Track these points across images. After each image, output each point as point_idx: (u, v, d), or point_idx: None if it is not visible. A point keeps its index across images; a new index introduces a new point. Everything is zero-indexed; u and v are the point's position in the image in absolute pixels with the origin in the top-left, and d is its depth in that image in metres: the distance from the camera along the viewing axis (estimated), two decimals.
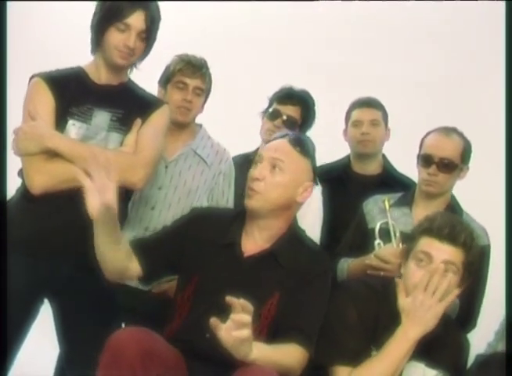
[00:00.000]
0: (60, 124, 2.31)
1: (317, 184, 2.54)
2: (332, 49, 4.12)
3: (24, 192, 2.31)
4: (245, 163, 2.87)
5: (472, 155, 2.71)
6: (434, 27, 4.03)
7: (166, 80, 2.78)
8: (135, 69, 2.44)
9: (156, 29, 2.37)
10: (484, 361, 2.17)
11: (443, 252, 2.10)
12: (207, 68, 2.77)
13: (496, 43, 3.45)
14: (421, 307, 2.07)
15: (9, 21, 2.72)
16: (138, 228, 2.68)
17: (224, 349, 1.82)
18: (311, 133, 2.86)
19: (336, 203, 2.90)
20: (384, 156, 3.24)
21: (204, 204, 2.77)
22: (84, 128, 2.32)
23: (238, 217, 2.22)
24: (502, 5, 3.34)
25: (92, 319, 2.31)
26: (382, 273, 2.49)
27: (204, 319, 1.84)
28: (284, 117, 2.93)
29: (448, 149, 2.63)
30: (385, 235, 2.64)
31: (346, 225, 2.84)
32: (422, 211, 2.56)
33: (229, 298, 1.80)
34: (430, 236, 2.12)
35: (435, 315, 2.07)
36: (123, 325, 2.46)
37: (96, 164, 1.93)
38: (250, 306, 1.81)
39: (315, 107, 3.01)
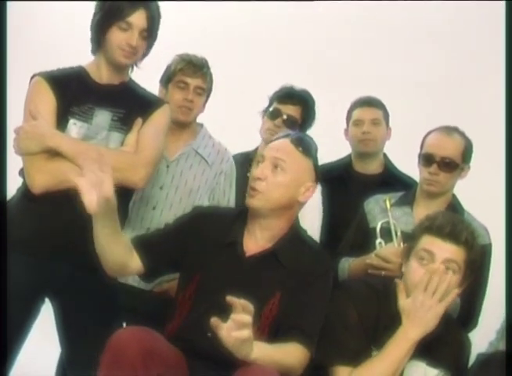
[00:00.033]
0: (61, 123, 2.31)
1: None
2: (332, 49, 4.12)
3: (25, 191, 2.31)
4: (245, 162, 2.88)
5: (473, 155, 2.71)
6: (434, 27, 4.03)
7: (167, 79, 2.78)
8: (136, 69, 2.44)
9: (157, 28, 2.37)
10: (486, 360, 2.16)
11: (445, 250, 2.10)
12: (208, 68, 2.77)
13: (496, 43, 3.46)
14: (421, 308, 2.07)
15: (9, 21, 2.72)
16: (140, 228, 2.67)
17: (225, 349, 1.82)
18: (312, 133, 2.85)
19: (337, 202, 2.90)
20: (385, 155, 3.24)
21: (205, 203, 2.76)
22: (85, 128, 2.32)
23: (240, 216, 2.21)
24: (502, 5, 3.34)
25: (93, 319, 2.31)
26: (383, 273, 2.49)
27: (205, 319, 1.83)
28: (284, 117, 2.93)
29: (449, 148, 2.63)
30: (386, 234, 2.64)
31: (347, 224, 2.83)
32: (423, 210, 2.55)
33: (230, 298, 1.80)
34: (432, 235, 2.12)
35: (435, 315, 2.07)
36: (124, 325, 2.46)
37: (87, 159, 1.89)
38: (250, 306, 1.81)
39: (316, 107, 3.01)
